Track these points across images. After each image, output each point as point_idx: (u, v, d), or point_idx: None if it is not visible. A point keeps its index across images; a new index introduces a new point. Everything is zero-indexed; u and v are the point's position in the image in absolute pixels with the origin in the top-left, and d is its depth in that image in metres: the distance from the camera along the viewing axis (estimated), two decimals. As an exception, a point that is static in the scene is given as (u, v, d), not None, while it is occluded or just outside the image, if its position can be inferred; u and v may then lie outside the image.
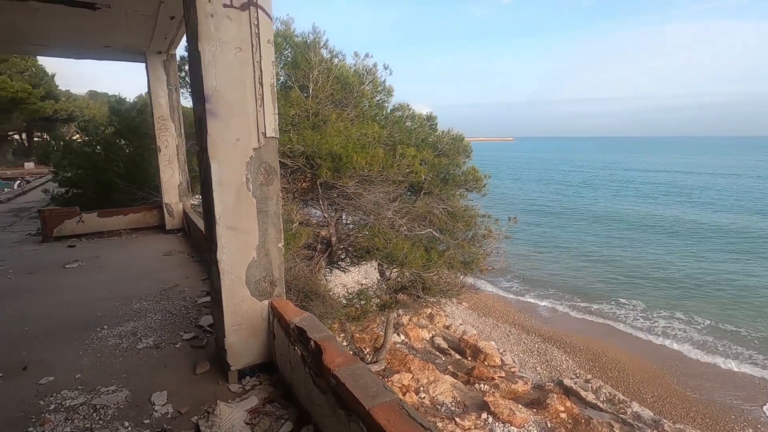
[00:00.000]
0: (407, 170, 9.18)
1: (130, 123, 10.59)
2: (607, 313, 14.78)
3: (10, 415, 2.43)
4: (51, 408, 2.49)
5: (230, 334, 2.66)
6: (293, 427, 2.26)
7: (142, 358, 3.06)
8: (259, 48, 2.55)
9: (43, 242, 6.57)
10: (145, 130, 10.29)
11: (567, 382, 10.04)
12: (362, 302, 8.96)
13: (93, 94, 42.63)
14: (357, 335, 11.82)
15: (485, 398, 8.87)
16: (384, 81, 11.08)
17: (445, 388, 9.17)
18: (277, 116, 2.69)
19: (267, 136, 2.64)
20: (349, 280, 13.31)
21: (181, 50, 7.20)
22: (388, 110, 11.23)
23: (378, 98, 11.16)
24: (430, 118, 11.61)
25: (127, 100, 14.23)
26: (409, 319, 13.77)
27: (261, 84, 2.59)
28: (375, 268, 10.98)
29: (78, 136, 14.27)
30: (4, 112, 23.09)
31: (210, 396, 2.55)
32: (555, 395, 9.29)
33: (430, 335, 13.39)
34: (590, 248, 22.59)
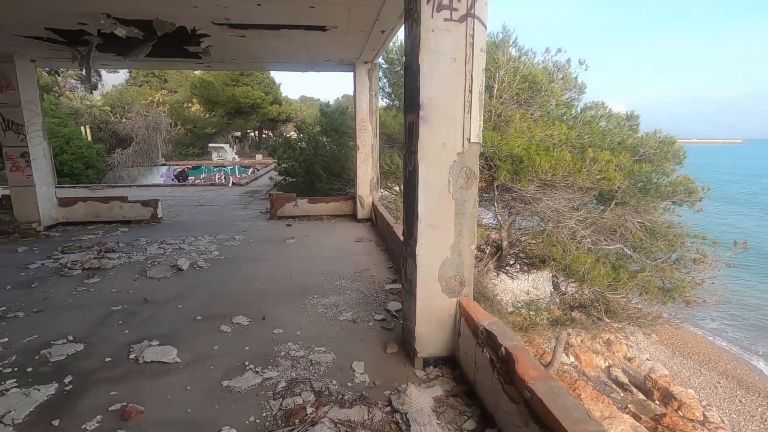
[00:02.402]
0: (598, 176, 8.21)
1: (334, 123, 12.35)
2: None
3: (257, 353, 3.17)
4: (281, 354, 3.15)
5: (420, 323, 2.88)
6: (476, 426, 2.32)
7: (343, 328, 3.58)
8: (472, 57, 2.66)
9: (270, 219, 8.27)
10: (344, 130, 11.87)
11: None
12: (531, 313, 8.50)
13: (304, 98, 51.25)
14: (521, 346, 11.22)
15: (678, 455, 7.39)
16: (576, 77, 10.13)
17: (623, 429, 7.98)
18: (481, 122, 2.76)
19: (471, 141, 2.74)
20: (517, 287, 12.75)
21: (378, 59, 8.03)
22: (578, 109, 10.22)
23: (567, 96, 10.27)
24: (631, 118, 10.09)
25: (330, 103, 16.66)
26: (581, 341, 12.41)
27: (470, 92, 2.69)
28: (548, 280, 10.25)
29: (294, 134, 17.40)
30: (246, 114, 29.78)
31: (400, 376, 2.83)
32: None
33: (606, 364, 11.81)
34: None
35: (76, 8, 4.58)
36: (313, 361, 3.02)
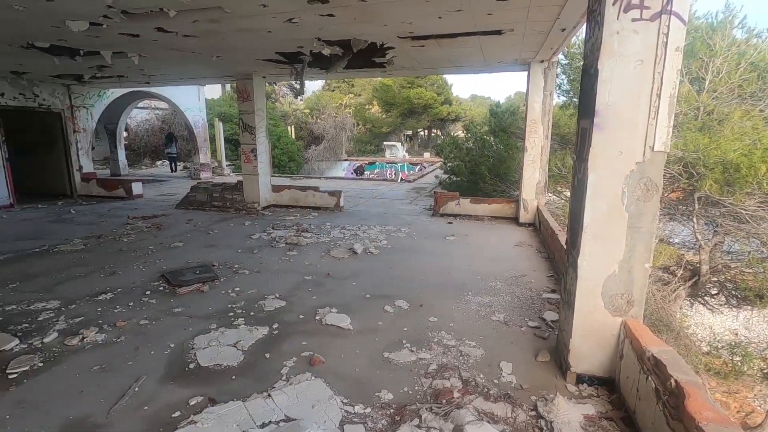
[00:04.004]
0: None
1: (503, 124, 12.14)
2: None
3: (414, 334, 3.55)
4: (434, 340, 3.45)
5: (576, 337, 2.78)
6: (630, 455, 2.17)
7: (494, 328, 3.68)
8: (664, 58, 2.42)
9: (432, 216, 8.75)
10: (513, 130, 11.56)
11: None
12: (736, 358, 6.87)
13: (474, 97, 51.14)
14: (717, 395, 9.23)
15: None
16: None
17: None
18: (670, 129, 2.49)
19: (654, 150, 2.51)
20: (719, 323, 10.38)
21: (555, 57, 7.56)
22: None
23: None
24: None
25: (500, 102, 16.32)
26: (817, 409, 9.36)
27: (658, 96, 2.46)
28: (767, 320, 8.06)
29: (461, 133, 17.69)
30: (418, 114, 31.48)
31: (549, 385, 2.81)
32: None
33: None
34: None
35: (298, 36, 5.75)
36: (463, 353, 3.23)
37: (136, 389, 2.79)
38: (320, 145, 27.58)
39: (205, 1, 4.27)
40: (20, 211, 9.48)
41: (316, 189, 9.75)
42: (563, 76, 11.15)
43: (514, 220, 8.10)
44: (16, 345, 3.36)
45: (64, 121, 11.22)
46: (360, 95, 34.78)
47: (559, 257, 5.08)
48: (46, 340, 3.44)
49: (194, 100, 15.03)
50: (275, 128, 22.19)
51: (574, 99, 11.18)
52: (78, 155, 11.56)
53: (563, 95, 11.37)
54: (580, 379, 2.82)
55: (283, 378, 2.90)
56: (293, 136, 25.72)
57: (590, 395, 2.70)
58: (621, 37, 2.45)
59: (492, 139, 12.24)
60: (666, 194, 8.07)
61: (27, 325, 3.73)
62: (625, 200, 2.58)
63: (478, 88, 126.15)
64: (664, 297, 8.07)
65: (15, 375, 2.96)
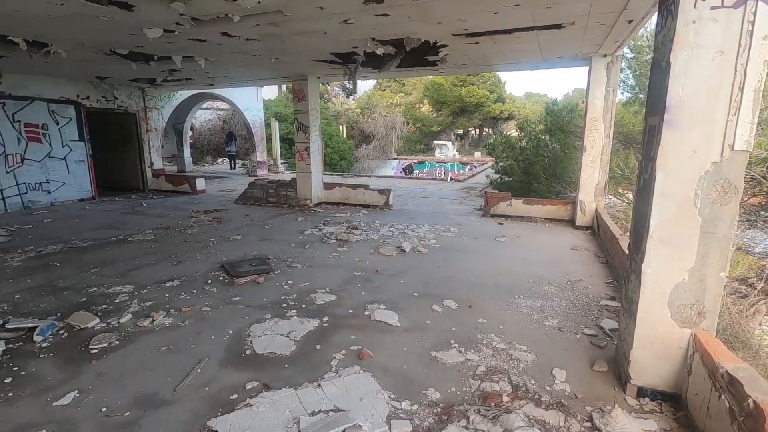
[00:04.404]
0: None
1: (560, 122, 11.62)
2: None
3: (462, 335, 3.51)
4: (483, 342, 3.39)
5: (637, 347, 2.62)
6: (698, 477, 2.02)
7: (547, 333, 3.55)
8: (748, 48, 2.21)
9: (483, 216, 8.58)
10: (571, 129, 11.03)
11: None
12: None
13: (529, 95, 49.37)
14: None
15: None
16: None
17: None
18: (755, 126, 2.27)
19: (734, 149, 2.30)
20: (806, 342, 9.28)
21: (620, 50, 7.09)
22: None
23: None
24: None
25: (557, 100, 15.63)
26: None
27: (741, 89, 2.25)
28: None
29: (514, 132, 17.18)
30: (470, 113, 30.92)
31: (606, 396, 2.67)
32: None
33: None
34: None
35: (353, 36, 5.85)
36: (513, 357, 3.15)
37: (199, 370, 2.99)
38: (370, 144, 27.90)
39: (266, 5, 4.47)
40: (100, 203, 10.46)
41: (366, 187, 9.88)
42: (628, 71, 10.49)
43: (570, 222, 7.74)
44: (97, 323, 3.72)
45: (139, 121, 12.22)
46: (410, 94, 34.76)
47: (619, 263, 4.80)
48: (121, 320, 3.78)
49: (253, 101, 15.77)
50: (327, 127, 22.73)
51: (640, 95, 10.47)
52: (150, 153, 12.54)
53: (627, 91, 10.70)
54: (641, 393, 2.65)
55: (333, 369, 2.98)
56: (344, 135, 26.23)
57: (652, 410, 2.53)
58: (698, 26, 2.27)
59: (547, 138, 11.76)
60: (746, 198, 7.36)
61: (106, 306, 4.12)
62: (698, 203, 2.39)
63: (532, 85, 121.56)
64: (740, 311, 7.35)
65: (96, 350, 3.28)
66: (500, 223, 7.90)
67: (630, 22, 5.03)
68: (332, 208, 9.69)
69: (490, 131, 34.02)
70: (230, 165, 19.90)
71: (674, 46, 2.34)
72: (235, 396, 2.69)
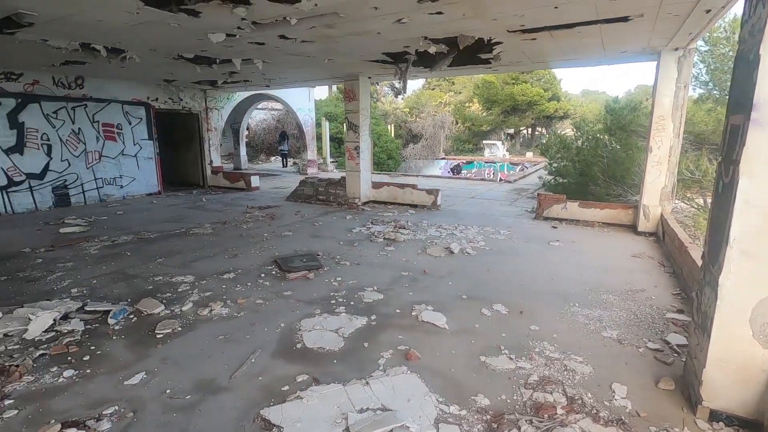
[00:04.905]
0: None
1: (621, 121, 10.94)
2: None
3: (512, 341, 3.40)
4: (536, 350, 3.26)
5: (711, 367, 2.41)
6: None
7: (605, 345, 3.35)
8: None
9: (535, 219, 8.27)
10: (634, 128, 10.36)
11: None
12: None
13: (586, 92, 46.95)
14: None
15: None
16: None
17: None
18: None
19: (837, 151, 2.04)
20: None
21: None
22: None
23: None
24: None
25: (619, 97, 14.73)
26: None
27: None
28: None
29: (570, 131, 16.38)
30: (521, 112, 29.93)
31: (673, 417, 2.47)
32: None
33: None
34: None
35: (406, 35, 5.85)
36: (568, 367, 3.00)
37: (253, 360, 3.12)
38: (418, 144, 27.80)
39: (323, 8, 4.57)
40: (165, 198, 11.22)
41: (413, 186, 9.85)
42: (701, 65, 9.66)
43: (632, 228, 7.27)
44: (162, 310, 3.99)
45: (201, 121, 12.97)
46: (460, 93, 34.22)
47: (688, 273, 4.44)
48: (183, 308, 4.03)
49: (305, 101, 16.23)
50: (375, 127, 22.91)
51: (714, 91, 9.62)
52: (209, 151, 13.27)
53: (700, 87, 9.86)
54: (714, 417, 2.43)
55: (380, 368, 2.99)
56: (392, 134, 26.32)
57: (727, 437, 2.31)
58: (796, 14, 2.04)
59: (607, 137, 11.12)
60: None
61: (170, 294, 4.41)
62: (790, 211, 2.15)
63: (590, 82, 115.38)
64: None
65: (161, 335, 3.51)
66: (554, 227, 7.58)
67: (708, 12, 4.62)
68: (380, 207, 9.76)
69: (543, 131, 32.73)
70: (282, 163, 20.61)
71: (765, 36, 2.11)
72: (286, 387, 2.77)
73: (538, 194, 8.71)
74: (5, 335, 3.45)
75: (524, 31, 5.59)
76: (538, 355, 3.17)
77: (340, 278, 4.89)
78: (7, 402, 2.62)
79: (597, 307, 4.06)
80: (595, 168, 9.67)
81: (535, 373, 2.94)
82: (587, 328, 3.65)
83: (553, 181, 12.21)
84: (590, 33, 5.62)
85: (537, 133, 34.04)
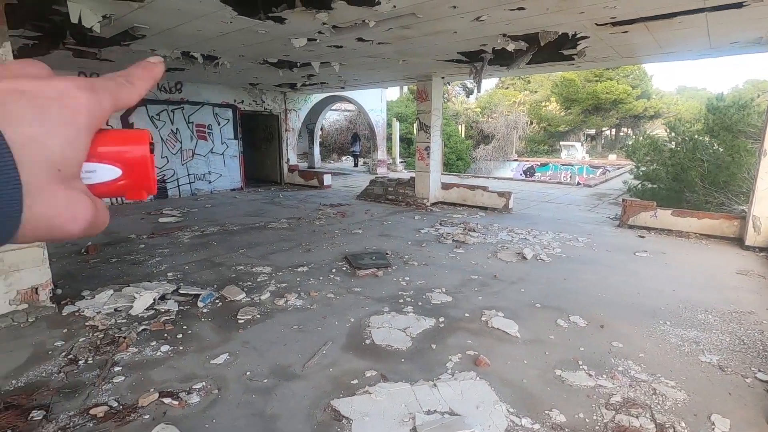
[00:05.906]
0: None
1: (726, 121, 9.72)
2: None
3: (592, 357, 3.17)
4: (619, 369, 3.01)
5: (844, 408, 2.05)
6: None
7: (703, 371, 3.00)
8: None
9: (618, 227, 7.64)
10: (742, 129, 9.15)
11: None
12: None
13: (682, 89, 42.36)
14: None
15: None
16: None
17: None
18: None
19: None
20: None
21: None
22: None
23: None
24: None
25: (723, 94, 13.10)
26: None
27: None
28: None
29: (661, 132, 14.89)
30: (606, 111, 27.81)
31: (789, 460, 2.15)
32: None
33: None
34: None
35: (483, 33, 5.71)
36: (657, 391, 2.73)
37: (324, 352, 3.24)
38: (489, 145, 27.04)
39: (401, 9, 4.61)
40: (247, 193, 12.06)
41: (484, 188, 9.59)
42: (835, 55, 8.27)
43: (737, 241, 6.43)
44: (243, 297, 4.29)
45: (280, 121, 13.76)
46: (536, 92, 32.65)
47: (811, 297, 3.82)
48: (262, 297, 4.30)
49: (377, 102, 16.52)
50: (446, 127, 22.66)
51: None
52: (287, 150, 14.04)
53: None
54: None
55: (448, 371, 2.95)
56: (462, 135, 25.86)
57: None
58: None
59: (708, 139, 9.95)
60: None
61: (250, 283, 4.73)
62: None
63: (687, 77, 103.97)
64: None
65: (242, 321, 3.78)
66: (641, 236, 6.94)
67: None
68: (449, 208, 9.63)
69: (629, 131, 30.16)
70: (354, 163, 21.20)
71: None
72: (355, 381, 2.84)
73: (623, 200, 8.02)
74: (115, 310, 3.94)
75: (615, 24, 5.18)
76: (621, 375, 2.93)
77: (408, 278, 4.90)
78: (116, 369, 2.99)
79: (693, 328, 3.65)
80: (692, 173, 8.70)
81: (618, 393, 2.71)
82: (680, 349, 3.29)
83: (640, 186, 11.21)
84: (694, 23, 5.07)
85: (622, 133, 31.45)
